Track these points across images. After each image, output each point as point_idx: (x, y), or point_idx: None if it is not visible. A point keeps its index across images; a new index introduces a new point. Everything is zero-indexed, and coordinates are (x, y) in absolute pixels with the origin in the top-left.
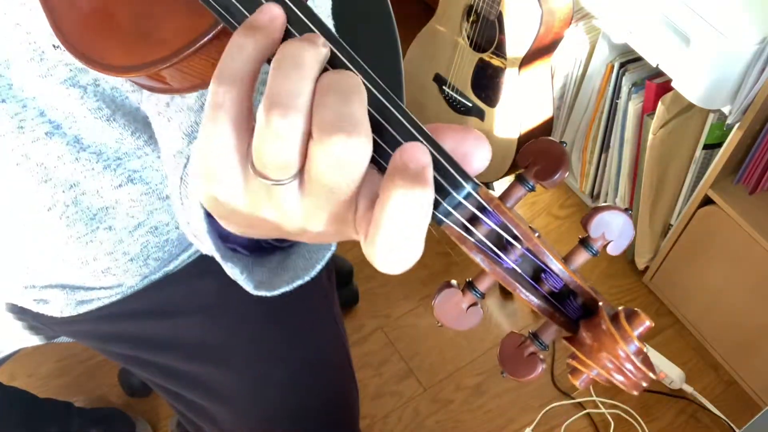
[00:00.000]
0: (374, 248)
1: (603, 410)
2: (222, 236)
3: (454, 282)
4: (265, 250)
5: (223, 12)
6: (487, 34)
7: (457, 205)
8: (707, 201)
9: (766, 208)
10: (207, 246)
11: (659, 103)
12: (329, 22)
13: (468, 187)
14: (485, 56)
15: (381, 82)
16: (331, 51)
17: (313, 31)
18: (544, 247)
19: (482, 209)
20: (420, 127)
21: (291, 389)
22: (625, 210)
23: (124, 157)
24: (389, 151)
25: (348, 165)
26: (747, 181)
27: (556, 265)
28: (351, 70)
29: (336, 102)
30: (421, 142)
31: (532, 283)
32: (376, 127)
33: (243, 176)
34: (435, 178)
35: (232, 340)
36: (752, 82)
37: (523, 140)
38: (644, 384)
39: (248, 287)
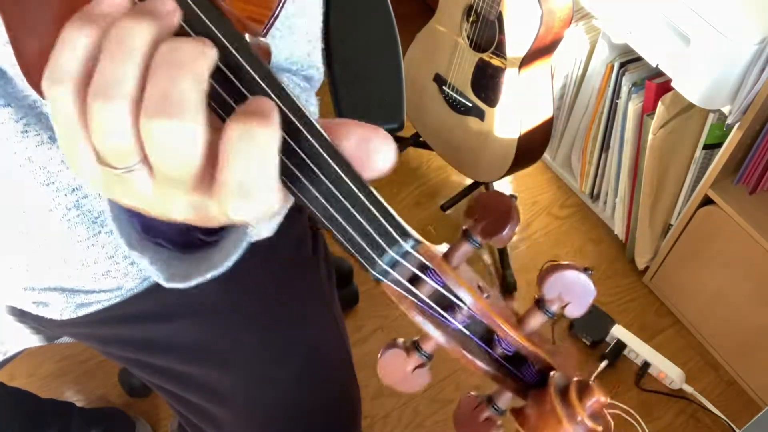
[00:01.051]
0: (221, 195)
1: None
2: (146, 228)
3: (400, 341)
4: (195, 246)
5: None
6: (487, 34)
7: (395, 264)
8: (707, 201)
9: (766, 208)
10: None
11: (659, 103)
12: (305, 47)
13: (406, 246)
14: (485, 56)
15: (268, 69)
16: (191, 16)
17: None
18: (493, 312)
19: (424, 268)
20: (323, 136)
21: (292, 390)
22: (584, 269)
23: None
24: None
25: (175, 151)
26: (747, 181)
27: (505, 332)
28: (216, 35)
29: (163, 80)
30: (352, 189)
31: (483, 345)
32: (236, 99)
33: (98, 167)
34: (370, 234)
35: (231, 342)
36: (752, 82)
37: (523, 140)
38: None
39: (159, 279)
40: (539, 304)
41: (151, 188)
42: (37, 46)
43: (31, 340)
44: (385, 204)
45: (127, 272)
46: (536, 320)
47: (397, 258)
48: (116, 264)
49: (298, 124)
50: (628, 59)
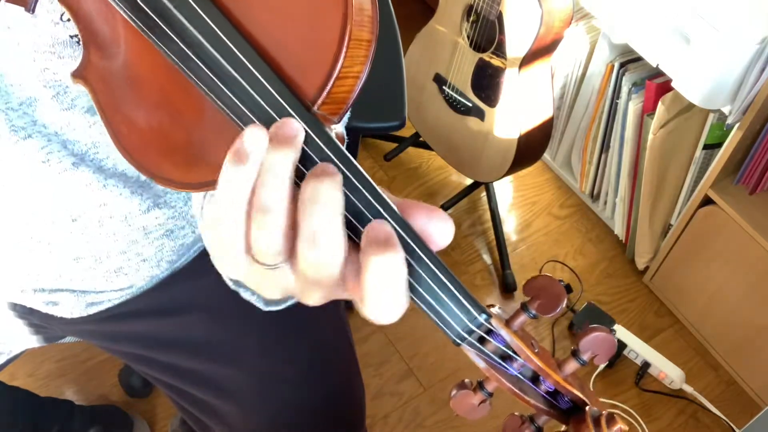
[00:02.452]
0: (368, 308)
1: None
2: None
3: (467, 381)
4: None
5: None
6: (487, 34)
7: (471, 332)
8: (707, 201)
9: (766, 208)
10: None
11: (659, 103)
12: None
13: (481, 319)
14: (485, 56)
15: (365, 175)
16: (320, 147)
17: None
18: (541, 362)
19: (491, 333)
20: (413, 234)
21: (299, 386)
22: (611, 331)
23: (146, 183)
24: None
25: (324, 267)
26: (747, 181)
27: (551, 378)
28: (334, 163)
29: (312, 216)
30: (449, 286)
31: (531, 385)
32: (360, 220)
33: (246, 263)
34: (456, 312)
35: (238, 338)
36: (752, 82)
37: (523, 140)
38: None
39: (259, 305)
40: (575, 354)
41: (294, 282)
42: (127, 130)
43: (32, 340)
44: (463, 285)
45: (138, 269)
46: (571, 366)
47: (472, 327)
48: (128, 261)
49: (408, 240)
50: (628, 59)
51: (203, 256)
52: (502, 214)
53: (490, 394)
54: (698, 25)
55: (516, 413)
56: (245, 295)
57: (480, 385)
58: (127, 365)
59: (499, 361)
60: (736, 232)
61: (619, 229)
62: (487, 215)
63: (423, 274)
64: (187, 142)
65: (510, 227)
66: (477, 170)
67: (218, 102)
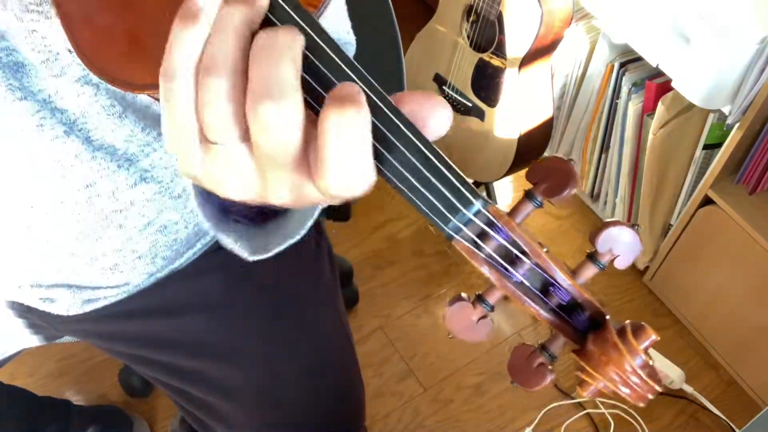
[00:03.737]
0: (324, 176)
1: (603, 410)
2: (224, 208)
3: (464, 295)
4: (267, 215)
5: None
6: (487, 34)
7: (468, 222)
8: (707, 201)
9: (766, 208)
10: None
11: (659, 103)
12: (343, 24)
13: (478, 204)
14: (485, 56)
15: (335, 47)
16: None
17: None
18: (553, 262)
19: (492, 225)
20: (399, 113)
21: (299, 385)
22: (633, 225)
23: (133, 157)
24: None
25: (278, 130)
26: (747, 181)
27: (563, 280)
28: (298, 23)
29: (264, 66)
30: (423, 151)
31: (541, 296)
32: (324, 86)
33: (201, 147)
34: (446, 196)
35: (238, 337)
36: (752, 82)
37: (523, 140)
38: (650, 396)
39: (243, 254)
40: (591, 257)
41: (253, 169)
42: (89, 34)
43: (31, 340)
44: (455, 167)
45: (134, 266)
46: (589, 271)
47: (470, 216)
48: (124, 258)
49: (377, 100)
50: (628, 59)
51: (202, 257)
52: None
53: (492, 308)
54: (698, 25)
55: (525, 343)
56: (227, 242)
57: (480, 298)
58: (127, 365)
59: (502, 263)
60: (736, 232)
61: None
62: None
63: (401, 147)
64: (148, 38)
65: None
66: (477, 170)
67: None
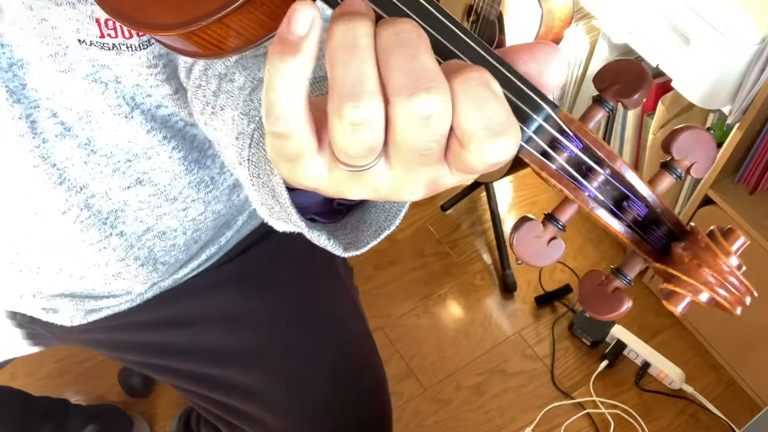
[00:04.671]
0: (475, 153)
1: (603, 410)
2: (298, 209)
3: (532, 216)
4: (340, 213)
5: None
6: (487, 34)
7: (538, 129)
8: (707, 201)
9: (766, 208)
10: (291, 221)
11: (659, 103)
12: None
13: (548, 109)
14: None
15: (438, 14)
16: (376, 3)
17: None
18: (631, 169)
19: (563, 132)
20: (490, 50)
21: (328, 385)
22: (708, 129)
23: (134, 159)
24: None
25: (436, 120)
26: (747, 181)
27: (643, 189)
28: (405, 12)
29: (403, 61)
30: (496, 65)
31: (616, 211)
32: (448, 58)
33: (326, 169)
34: (512, 101)
35: (258, 341)
36: (752, 82)
37: None
38: (748, 300)
39: (337, 251)
40: (667, 166)
41: (389, 177)
42: None
43: (30, 350)
44: (522, 74)
45: (137, 274)
46: (666, 181)
47: (540, 121)
48: (127, 267)
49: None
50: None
51: (209, 272)
52: (502, 214)
53: (563, 227)
54: (698, 25)
55: (595, 269)
56: (321, 240)
57: (550, 218)
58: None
59: (576, 174)
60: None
61: None
62: (487, 215)
63: (462, 54)
64: None
65: (510, 227)
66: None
67: None
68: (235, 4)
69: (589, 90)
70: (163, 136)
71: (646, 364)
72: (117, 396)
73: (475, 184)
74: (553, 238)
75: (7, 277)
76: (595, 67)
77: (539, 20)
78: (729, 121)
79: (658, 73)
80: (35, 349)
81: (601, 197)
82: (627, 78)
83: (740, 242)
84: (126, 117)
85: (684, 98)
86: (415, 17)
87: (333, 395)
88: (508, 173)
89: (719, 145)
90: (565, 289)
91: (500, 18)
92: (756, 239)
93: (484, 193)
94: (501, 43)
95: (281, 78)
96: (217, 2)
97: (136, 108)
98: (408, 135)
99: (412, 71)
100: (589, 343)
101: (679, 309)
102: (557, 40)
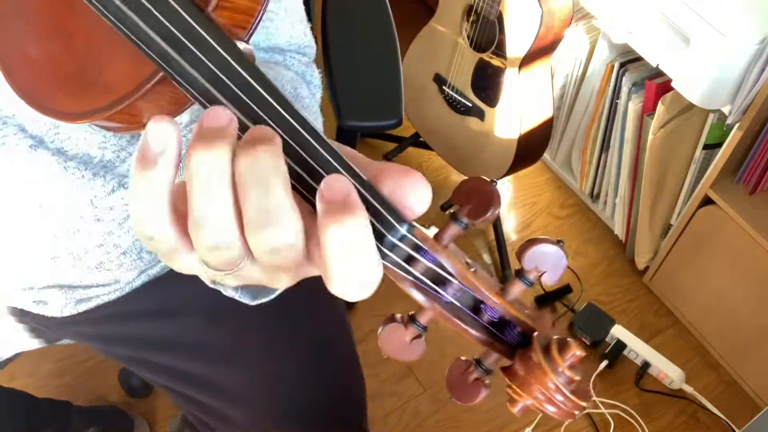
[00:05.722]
0: (334, 285)
1: (603, 410)
2: None
3: (398, 316)
4: None
5: (162, 63)
6: (487, 34)
7: (393, 247)
8: (707, 201)
9: (766, 208)
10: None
11: (659, 103)
12: (300, 27)
13: (402, 230)
14: (485, 56)
15: (307, 121)
16: (246, 105)
17: (235, 94)
18: (479, 283)
19: (418, 249)
20: (349, 167)
21: (300, 385)
22: (557, 242)
23: (109, 164)
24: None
25: (283, 249)
26: (747, 181)
27: (491, 300)
28: (267, 123)
29: (257, 196)
30: (355, 185)
31: (472, 314)
32: (309, 172)
33: (201, 265)
34: (370, 221)
35: (238, 340)
36: (752, 82)
37: (523, 140)
38: (576, 413)
39: (246, 301)
40: (518, 274)
41: (258, 273)
42: (28, 72)
43: (29, 343)
44: (381, 193)
45: (121, 263)
46: (516, 288)
47: (394, 241)
48: (108, 254)
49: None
50: (628, 59)
51: None
52: (502, 214)
53: (425, 328)
54: (698, 25)
55: (462, 357)
56: (228, 292)
57: (412, 319)
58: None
59: (431, 285)
60: (736, 232)
61: (619, 229)
62: None
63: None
64: (80, 67)
65: (510, 227)
66: (477, 170)
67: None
68: (132, 98)
69: (589, 89)
70: (131, 135)
71: (646, 364)
72: (117, 396)
73: None
74: (416, 337)
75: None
76: (595, 67)
77: (539, 20)
78: (729, 121)
79: (658, 73)
80: (36, 343)
81: (457, 303)
82: (478, 200)
83: (573, 356)
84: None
85: (684, 98)
86: (277, 128)
87: (303, 397)
88: (507, 173)
89: (719, 145)
90: (565, 290)
91: (500, 18)
92: (756, 239)
93: None
94: (501, 43)
95: (143, 189)
96: (116, 94)
97: None
98: (260, 258)
99: (263, 207)
100: (589, 343)
101: (515, 411)
102: (557, 40)
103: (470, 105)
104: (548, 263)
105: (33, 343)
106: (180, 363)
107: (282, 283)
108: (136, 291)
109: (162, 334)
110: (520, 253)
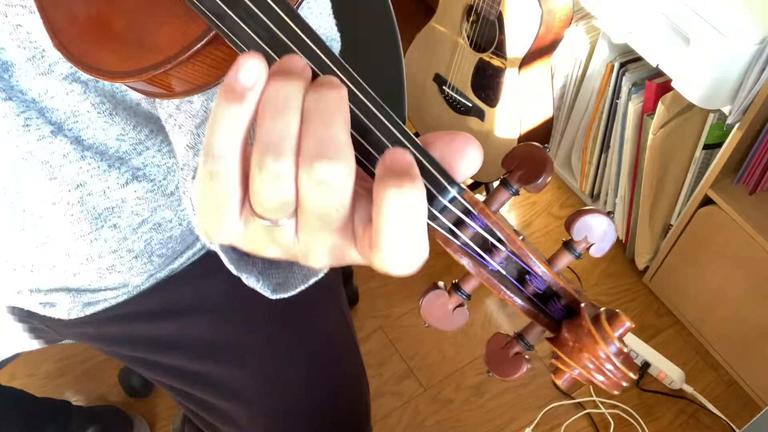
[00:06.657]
0: (381, 254)
1: (603, 410)
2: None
3: (441, 284)
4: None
5: (215, 20)
6: (487, 34)
7: (443, 209)
8: (707, 201)
9: (766, 208)
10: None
11: (659, 103)
12: (328, 22)
13: (453, 191)
14: (485, 56)
15: (368, 89)
16: (317, 56)
17: (293, 51)
18: (528, 250)
19: (467, 213)
20: (405, 131)
21: (303, 385)
22: (608, 213)
23: (126, 156)
24: (378, 156)
25: (334, 189)
26: (747, 181)
27: (539, 268)
28: (337, 75)
29: (318, 128)
30: (407, 146)
31: (517, 284)
32: (365, 134)
33: (243, 222)
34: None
35: (243, 339)
36: (752, 82)
37: (523, 140)
38: (624, 384)
39: (266, 293)
40: (567, 245)
41: (295, 238)
42: (74, 31)
43: (32, 343)
44: (431, 154)
45: (131, 267)
46: (565, 259)
47: (445, 203)
48: (120, 258)
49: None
50: (628, 59)
51: (202, 259)
52: (502, 213)
53: (468, 297)
54: (698, 25)
55: (501, 332)
56: (249, 282)
57: (456, 287)
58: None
59: (479, 250)
60: (736, 232)
61: (619, 229)
62: None
63: (377, 132)
64: (127, 26)
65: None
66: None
67: None
68: (180, 58)
69: (589, 89)
70: (150, 130)
71: (646, 364)
72: (117, 396)
73: (475, 184)
74: (459, 305)
75: (3, 274)
76: (595, 67)
77: (539, 20)
78: (729, 121)
79: (658, 73)
80: (35, 344)
81: (503, 272)
82: (530, 165)
83: (624, 327)
84: (110, 115)
85: (684, 98)
86: (347, 82)
87: (307, 398)
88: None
89: (719, 145)
90: None
91: (500, 18)
92: (756, 239)
93: (485, 193)
94: (501, 43)
95: (225, 123)
96: (164, 54)
97: (119, 105)
98: (308, 197)
99: (321, 138)
100: None
101: (560, 382)
102: (557, 40)
103: (470, 105)
104: (597, 235)
105: (33, 344)
106: (185, 363)
107: (318, 256)
108: (142, 293)
109: (168, 335)
110: (569, 223)
